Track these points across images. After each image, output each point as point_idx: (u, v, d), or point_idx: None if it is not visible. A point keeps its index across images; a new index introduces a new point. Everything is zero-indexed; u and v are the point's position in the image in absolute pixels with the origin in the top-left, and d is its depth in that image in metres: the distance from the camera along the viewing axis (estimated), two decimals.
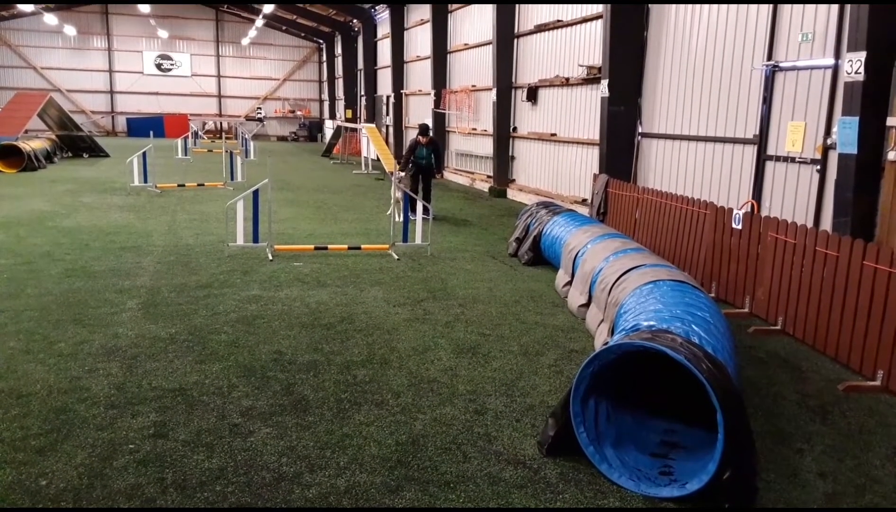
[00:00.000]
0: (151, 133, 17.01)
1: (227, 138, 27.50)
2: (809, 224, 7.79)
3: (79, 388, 4.61)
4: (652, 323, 4.01)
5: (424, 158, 12.49)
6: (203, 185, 16.11)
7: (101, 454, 3.76)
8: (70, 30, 35.07)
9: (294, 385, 4.81)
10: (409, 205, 9.59)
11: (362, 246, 9.45)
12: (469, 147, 19.64)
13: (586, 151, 13.31)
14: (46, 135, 22.72)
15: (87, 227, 10.62)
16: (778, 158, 8.53)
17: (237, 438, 4.00)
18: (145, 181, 15.17)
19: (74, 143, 23.10)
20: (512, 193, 16.42)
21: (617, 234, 7.68)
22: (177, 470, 3.64)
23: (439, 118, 21.03)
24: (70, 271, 7.75)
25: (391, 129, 26.15)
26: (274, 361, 5.24)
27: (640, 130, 11.40)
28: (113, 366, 5.02)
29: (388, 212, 9.51)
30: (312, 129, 40.21)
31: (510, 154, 16.93)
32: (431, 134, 12.91)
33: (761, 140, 8.76)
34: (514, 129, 16.70)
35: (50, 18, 31.85)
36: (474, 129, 18.87)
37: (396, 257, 9.06)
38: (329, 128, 31.38)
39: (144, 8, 34.31)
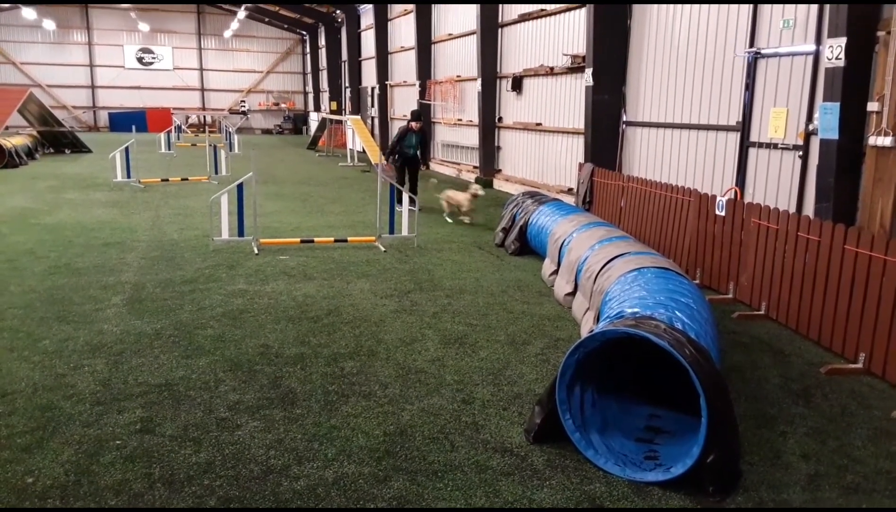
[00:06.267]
0: (134, 128, 16.86)
1: (210, 132, 27.27)
2: (792, 210, 7.86)
3: (64, 385, 4.58)
4: (636, 310, 4.05)
5: (413, 148, 12.32)
6: (187, 179, 15.99)
7: (87, 451, 3.75)
8: (49, 24, 34.53)
9: (281, 378, 4.81)
10: (396, 196, 9.57)
11: (349, 238, 9.43)
12: (455, 138, 19.62)
13: (571, 141, 13.33)
14: (27, 131, 22.41)
15: (71, 223, 10.52)
16: (761, 145, 8.59)
17: (224, 432, 4.00)
18: (128, 176, 15.03)
19: (56, 138, 22.83)
20: (498, 184, 16.44)
21: (602, 223, 7.71)
22: (164, 465, 3.64)
23: (425, 109, 20.96)
24: (54, 268, 7.68)
25: (376, 121, 26.04)
26: (261, 355, 5.23)
27: (624, 119, 11.43)
28: (98, 362, 4.99)
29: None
30: (297, 122, 39.93)
31: (496, 144, 16.93)
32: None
33: (744, 127, 8.82)
34: (500, 119, 16.70)
35: (28, 13, 31.36)
36: (460, 120, 18.84)
37: (383, 249, 9.05)
38: (314, 120, 31.17)
39: None
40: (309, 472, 3.60)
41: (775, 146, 8.34)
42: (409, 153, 12.33)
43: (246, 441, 3.90)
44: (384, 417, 4.26)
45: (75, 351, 5.20)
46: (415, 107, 21.00)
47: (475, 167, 17.67)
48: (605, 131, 11.47)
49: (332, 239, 9.36)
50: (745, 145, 8.84)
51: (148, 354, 5.17)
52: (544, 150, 14.60)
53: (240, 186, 8.71)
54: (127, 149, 14.91)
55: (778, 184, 8.32)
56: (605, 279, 5.40)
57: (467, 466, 3.70)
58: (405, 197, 9.39)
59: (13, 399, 4.36)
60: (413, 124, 12.29)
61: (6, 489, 3.40)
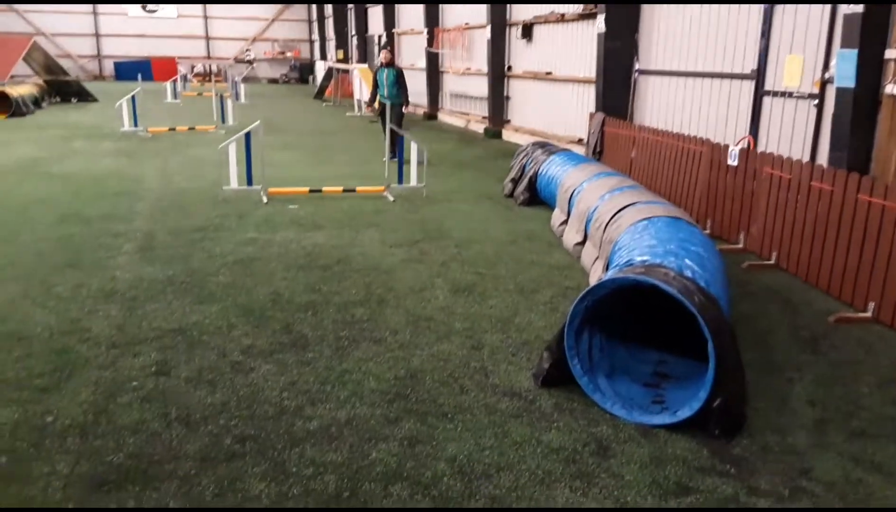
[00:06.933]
0: (139, 76, 16.68)
1: (216, 81, 26.99)
2: (806, 160, 7.76)
3: (79, 329, 4.66)
4: (645, 258, 4.04)
5: (383, 86, 11.66)
6: (194, 128, 15.89)
7: (104, 392, 3.83)
8: None
9: (293, 324, 4.87)
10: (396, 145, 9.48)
11: (357, 188, 9.40)
12: (463, 88, 19.33)
13: (582, 90, 13.12)
14: (33, 80, 22.23)
15: (79, 172, 10.52)
16: (776, 94, 8.43)
17: (239, 375, 4.07)
18: (136, 125, 14.95)
19: (62, 88, 22.66)
20: (507, 134, 16.26)
21: (613, 173, 7.65)
22: (180, 405, 3.72)
23: (433, 58, 20.62)
24: (64, 217, 7.72)
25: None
26: (272, 302, 5.29)
27: (637, 67, 11.21)
28: (112, 308, 5.06)
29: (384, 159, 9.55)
30: (303, 71, 39.39)
31: (505, 94, 16.68)
32: (395, 57, 12.19)
33: (759, 75, 8.65)
34: (509, 68, 16.41)
35: None
36: (468, 69, 18.53)
37: (392, 199, 9.03)
38: (320, 69, 30.73)
39: None
40: (322, 412, 3.68)
41: (790, 95, 8.19)
42: (382, 92, 11.76)
43: (260, 383, 3.98)
44: (395, 362, 4.32)
45: (89, 297, 5.27)
46: (421, 57, 20.69)
47: (484, 117, 17.46)
48: (616, 80, 11.27)
49: (341, 189, 9.34)
50: (759, 94, 8.67)
51: (161, 300, 5.23)
52: (554, 99, 14.38)
53: (247, 136, 8.66)
54: (133, 98, 14.79)
55: (792, 133, 8.20)
56: (615, 228, 5.38)
57: (476, 408, 3.77)
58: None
59: (30, 342, 4.44)
60: (382, 57, 11.70)
61: (27, 428, 3.48)
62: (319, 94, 27.43)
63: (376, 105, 12.17)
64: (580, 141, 12.65)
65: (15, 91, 18.54)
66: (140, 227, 7.34)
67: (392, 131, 11.19)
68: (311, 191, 9.13)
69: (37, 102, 20.13)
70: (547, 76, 14.44)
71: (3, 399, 3.74)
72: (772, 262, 6.51)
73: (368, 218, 8.07)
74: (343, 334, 4.72)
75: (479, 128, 17.40)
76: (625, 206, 5.73)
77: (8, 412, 3.61)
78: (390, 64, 11.86)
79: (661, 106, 10.74)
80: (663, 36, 10.57)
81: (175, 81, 23.44)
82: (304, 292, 5.52)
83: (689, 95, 10.09)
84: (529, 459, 3.30)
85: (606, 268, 5.17)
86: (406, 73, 12.52)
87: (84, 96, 22.85)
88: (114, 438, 3.40)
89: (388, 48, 11.97)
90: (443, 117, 20.42)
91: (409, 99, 12.28)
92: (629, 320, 4.39)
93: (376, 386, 3.99)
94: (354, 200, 8.96)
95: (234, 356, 4.33)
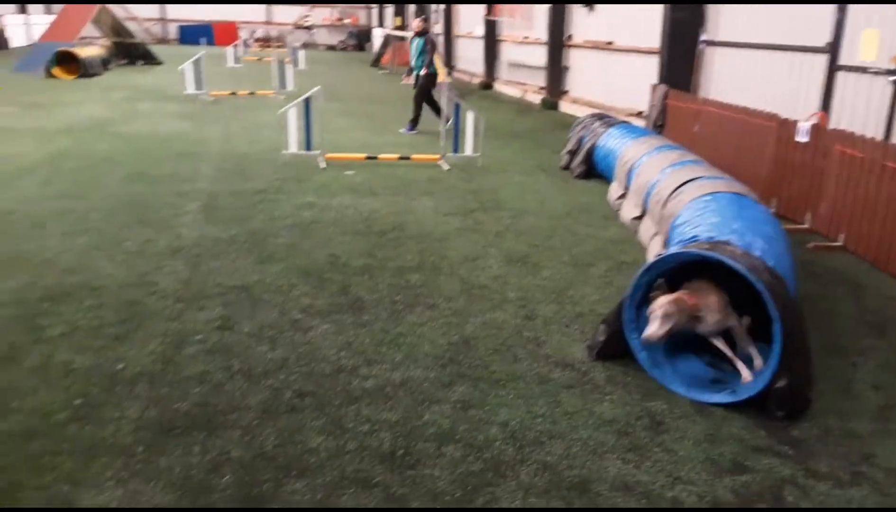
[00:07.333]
0: (203, 40, 16.92)
1: (276, 47, 27.27)
2: (880, 138, 7.42)
3: (147, 283, 4.85)
4: (711, 234, 3.95)
5: (415, 57, 11.29)
6: (254, 93, 16.13)
7: (171, 343, 4.00)
8: None
9: (350, 287, 4.96)
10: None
11: (413, 156, 9.43)
12: (521, 57, 19.03)
13: (644, 61, 12.75)
14: (101, 42, 22.85)
15: (145, 133, 10.84)
16: (850, 69, 8.04)
17: (298, 333, 4.19)
18: (199, 89, 15.26)
19: (128, 50, 23.24)
20: (564, 106, 15.99)
21: (674, 147, 7.46)
22: (242, 359, 3.85)
23: (491, 26, 20.34)
24: (132, 175, 7.99)
25: (441, 39, 25.46)
26: (330, 264, 5.39)
27: (703, 38, 10.83)
28: (178, 263, 5.24)
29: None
30: (361, 39, 39.41)
31: (564, 64, 16.37)
32: (428, 27, 11.42)
33: (833, 49, 8.25)
34: (569, 37, 16.07)
35: None
36: (526, 38, 18.22)
37: (446, 168, 9.03)
38: (377, 37, 30.67)
39: None
40: (377, 373, 3.76)
41: (865, 70, 7.80)
42: (412, 64, 11.43)
43: (318, 342, 4.08)
44: (448, 328, 4.36)
45: (156, 252, 5.47)
46: (480, 24, 20.41)
47: (541, 88, 17.19)
48: (681, 51, 10.92)
49: (397, 156, 9.38)
50: (832, 68, 8.29)
51: (224, 258, 5.40)
52: (614, 70, 14.04)
53: (307, 101, 8.76)
54: (197, 61, 15.07)
55: (867, 111, 7.82)
56: (676, 203, 5.26)
57: (529, 377, 3.79)
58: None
59: (101, 293, 4.65)
60: (415, 26, 11.29)
61: (99, 374, 3.67)
62: (376, 61, 27.42)
63: (412, 78, 11.92)
64: (639, 114, 12.34)
65: (84, 52, 19.13)
66: (203, 188, 7.54)
67: (416, 101, 11.02)
68: (367, 157, 9.20)
69: (104, 64, 20.72)
70: (608, 46, 14.09)
71: (78, 346, 3.94)
72: (839, 243, 6.29)
73: (423, 186, 8.10)
74: (398, 299, 4.79)
75: (536, 98, 17.16)
76: (687, 180, 5.58)
77: (82, 358, 3.81)
78: (421, 33, 11.55)
79: (727, 79, 10.37)
80: (732, 6, 10.16)
81: (236, 46, 23.77)
82: (361, 256, 5.60)
83: (757, 68, 9.71)
84: (581, 429, 3.31)
85: (666, 244, 5.08)
86: (463, 42, 12.24)
87: (149, 59, 23.39)
88: (180, 386, 3.56)
89: (423, 17, 11.65)
90: (499, 87, 20.19)
91: (455, 68, 11.99)
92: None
93: (430, 350, 4.05)
94: (409, 168, 9.00)
95: (293, 315, 4.45)
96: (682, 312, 3.48)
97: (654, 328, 3.46)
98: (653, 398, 3.61)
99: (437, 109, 10.98)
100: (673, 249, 3.89)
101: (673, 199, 5.41)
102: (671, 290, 3.64)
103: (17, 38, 28.21)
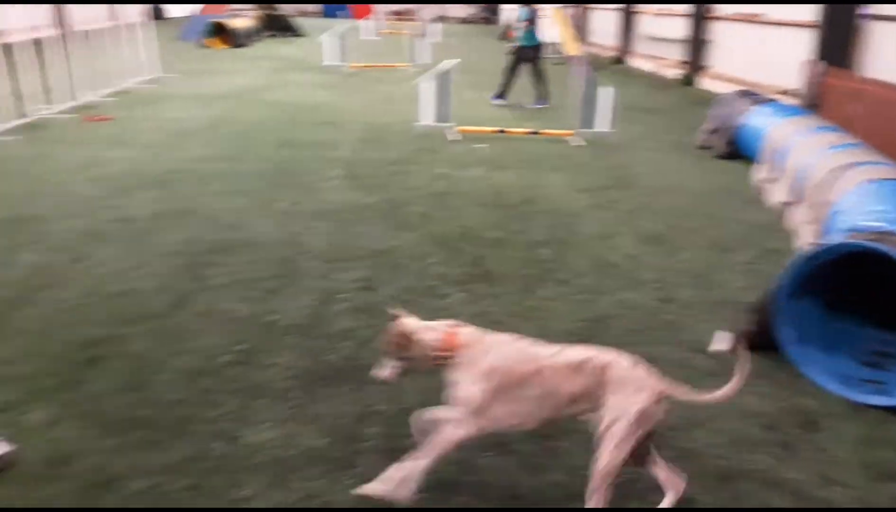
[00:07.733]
0: (349, 10, 17.35)
1: (410, 20, 27.71)
2: None
3: (298, 242, 5.21)
4: (879, 224, 3.68)
5: (518, 29, 11.23)
6: (390, 65, 16.54)
7: (320, 299, 4.29)
8: None
9: (482, 258, 5.06)
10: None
11: (544, 131, 9.36)
12: (657, 30, 18.21)
13: (796, 34, 11.83)
14: (252, 13, 24.14)
15: (291, 102, 11.46)
16: None
17: (435, 299, 4.35)
18: (340, 61, 15.84)
19: (274, 22, 24.48)
20: (705, 81, 15.19)
21: (831, 128, 6.94)
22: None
23: None
24: (281, 141, 8.51)
25: (570, 11, 24.81)
26: (462, 235, 5.52)
27: (867, 10, 9.90)
28: (324, 225, 5.58)
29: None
30: (489, 12, 39.16)
31: (705, 37, 15.51)
32: None
33: None
34: (710, 9, 15.18)
35: None
36: (664, 9, 17.40)
37: (578, 144, 8.90)
38: (505, 11, 30.33)
39: None
40: None
41: None
42: (521, 41, 11.29)
43: (454, 308, 4.22)
44: (580, 304, 4.37)
45: (304, 214, 5.84)
46: None
47: (679, 62, 16.41)
48: (841, 24, 10.04)
49: (528, 131, 9.35)
50: None
51: (366, 223, 5.68)
52: (762, 45, 13.14)
53: (440, 74, 8.90)
54: (340, 34, 15.63)
55: None
56: (836, 189, 4.93)
57: (668, 361, 3.69)
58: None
59: (257, 249, 5.05)
60: None
61: (256, 324, 4.00)
62: (504, 35, 27.16)
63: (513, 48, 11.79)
64: (787, 92, 11.52)
65: (235, 24, 20.37)
66: (344, 156, 7.91)
67: (506, 72, 10.79)
68: (499, 131, 9.24)
69: (253, 35, 21.92)
70: (755, 18, 13.20)
71: (238, 296, 4.31)
72: None
73: (554, 161, 8.04)
74: (529, 273, 4.84)
75: (672, 73, 16.41)
76: (846, 164, 5.21)
77: (243, 307, 4.17)
78: (526, 2, 11.45)
79: (893, 57, 9.44)
80: None
81: (372, 19, 24.37)
82: (492, 228, 5.69)
83: None
84: (725, 419, 3.22)
85: (822, 232, 4.78)
86: (596, 14, 11.93)
87: (293, 31, 24.50)
88: (329, 340, 3.81)
89: None
90: (632, 61, 19.47)
91: (586, 41, 11.69)
92: (846, 292, 4.04)
93: (562, 326, 4.07)
94: (539, 143, 8.95)
95: (429, 281, 4.62)
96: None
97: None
98: (802, 395, 3.45)
99: (540, 83, 10.88)
100: (834, 240, 3.66)
101: (832, 185, 5.07)
102: (828, 281, 3.43)
103: (172, 10, 30.35)
